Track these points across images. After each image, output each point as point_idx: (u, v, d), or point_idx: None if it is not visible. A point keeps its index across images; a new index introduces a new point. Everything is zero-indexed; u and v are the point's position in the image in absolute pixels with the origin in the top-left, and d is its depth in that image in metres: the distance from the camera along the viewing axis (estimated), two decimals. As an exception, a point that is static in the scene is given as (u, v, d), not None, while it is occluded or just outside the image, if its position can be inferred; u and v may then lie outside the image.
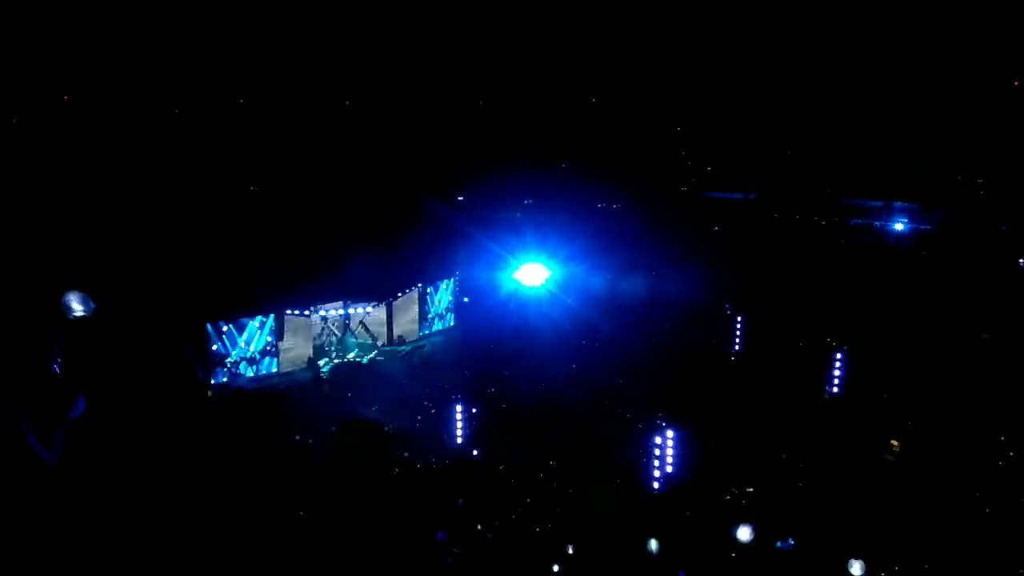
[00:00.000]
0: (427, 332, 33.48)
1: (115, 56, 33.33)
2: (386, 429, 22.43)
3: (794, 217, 36.11)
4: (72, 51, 32.61)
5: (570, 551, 16.31)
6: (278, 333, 28.39)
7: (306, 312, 29.37)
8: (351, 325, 31.23)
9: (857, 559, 15.52)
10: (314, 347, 29.79)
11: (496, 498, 18.75)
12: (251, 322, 27.59)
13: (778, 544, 17.27)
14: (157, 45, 33.61)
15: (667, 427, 20.54)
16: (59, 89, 34.27)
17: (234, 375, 27.16)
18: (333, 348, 30.47)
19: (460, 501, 18.53)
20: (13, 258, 23.59)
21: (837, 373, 25.82)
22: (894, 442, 22.40)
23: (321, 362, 29.39)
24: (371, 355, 30.61)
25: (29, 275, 22.19)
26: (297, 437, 22.21)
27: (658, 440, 20.55)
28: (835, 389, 25.73)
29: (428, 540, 16.28)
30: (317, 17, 36.31)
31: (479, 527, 17.35)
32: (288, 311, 28.64)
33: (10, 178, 28.55)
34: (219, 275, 28.17)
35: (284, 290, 28.77)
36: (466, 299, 34.90)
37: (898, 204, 34.47)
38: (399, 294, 32.28)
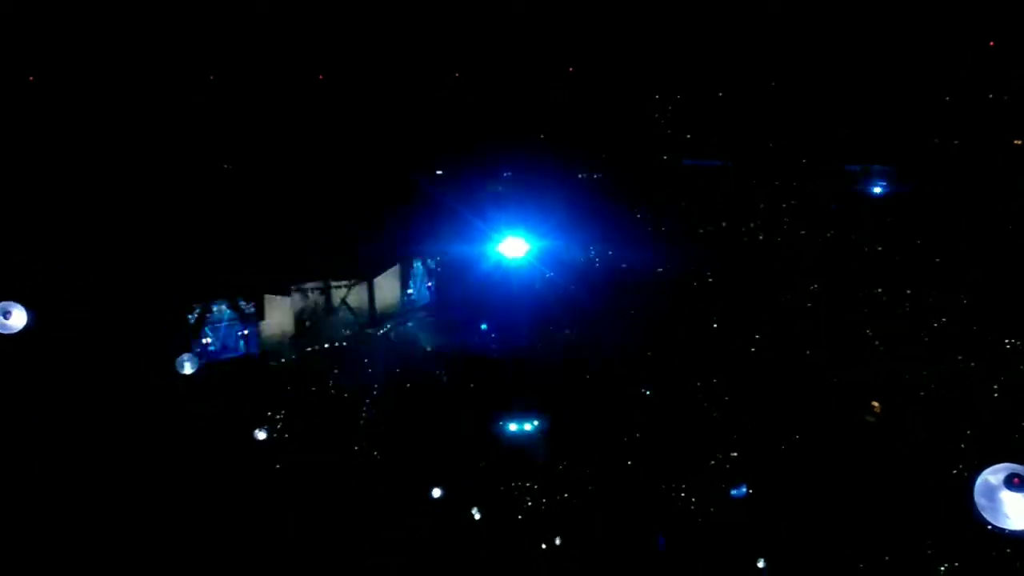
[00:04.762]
0: (409, 309, 33.31)
1: (79, 31, 32.35)
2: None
3: (773, 183, 36.04)
4: (35, 28, 31.62)
5: (557, 542, 16.28)
6: (258, 313, 28.14)
7: (286, 291, 29.11)
8: (332, 303, 30.99)
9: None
10: (295, 326, 29.57)
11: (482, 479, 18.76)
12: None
13: (732, 492, 17.58)
14: (117, 18, 32.63)
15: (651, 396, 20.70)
16: (23, 68, 33.29)
17: (213, 359, 26.86)
18: (315, 327, 30.24)
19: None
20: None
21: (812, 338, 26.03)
22: (875, 403, 22.62)
23: (303, 342, 29.20)
24: (353, 334, 30.43)
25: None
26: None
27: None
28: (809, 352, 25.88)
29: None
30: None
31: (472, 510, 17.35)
32: (267, 290, 28.36)
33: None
34: (193, 255, 27.68)
35: (262, 269, 28.45)
36: (446, 274, 34.69)
37: (876, 167, 34.51)
38: (380, 271, 32.02)
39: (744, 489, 17.77)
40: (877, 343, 25.71)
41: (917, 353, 24.72)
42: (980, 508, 9.90)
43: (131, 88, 34.09)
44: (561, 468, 19.85)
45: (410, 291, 33.59)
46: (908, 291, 27.54)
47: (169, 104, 34.73)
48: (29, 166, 29.40)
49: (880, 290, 28.05)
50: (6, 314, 8.30)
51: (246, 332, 27.84)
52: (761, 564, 15.77)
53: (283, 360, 27.99)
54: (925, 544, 16.14)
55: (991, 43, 31.00)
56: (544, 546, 15.88)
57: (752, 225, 34.21)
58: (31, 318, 8.74)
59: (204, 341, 26.86)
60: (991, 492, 9.53)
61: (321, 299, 30.59)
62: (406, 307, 33.22)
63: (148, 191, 30.79)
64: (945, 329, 25.72)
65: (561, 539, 16.13)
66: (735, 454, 20.26)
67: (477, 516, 16.64)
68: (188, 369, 13.47)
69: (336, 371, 26.24)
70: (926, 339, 25.55)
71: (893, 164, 34.56)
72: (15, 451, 17.33)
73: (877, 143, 34.41)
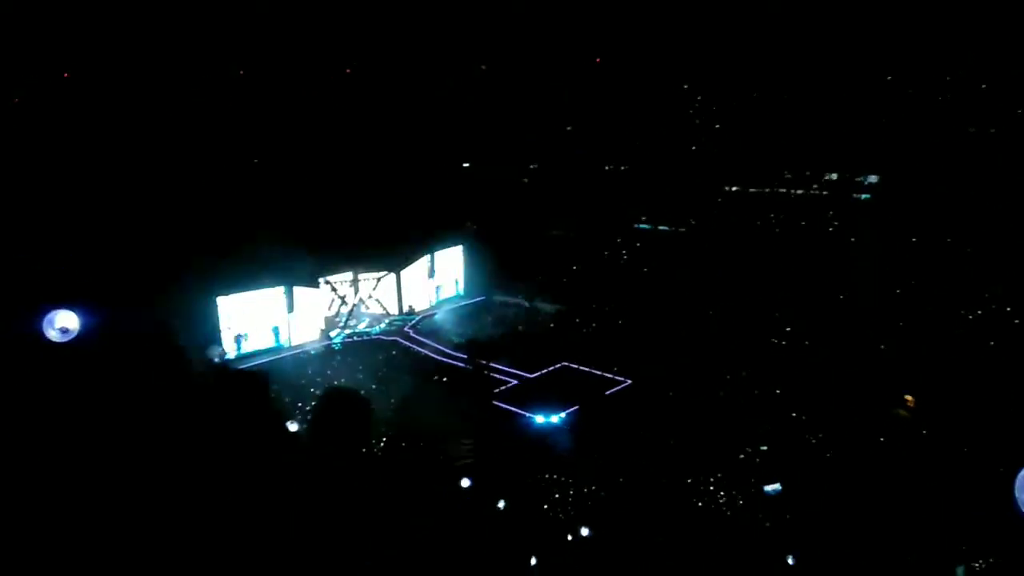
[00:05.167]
0: (437, 301, 33.51)
1: (98, 30, 32.76)
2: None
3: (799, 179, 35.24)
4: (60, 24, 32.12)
5: (584, 533, 16.15)
6: (288, 305, 28.45)
7: (316, 284, 29.42)
8: (361, 296, 31.26)
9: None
10: (325, 319, 29.88)
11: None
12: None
13: (766, 489, 17.37)
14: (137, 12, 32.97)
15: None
16: (54, 65, 33.88)
17: (239, 354, 27.12)
18: (343, 320, 30.52)
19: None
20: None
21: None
22: (908, 397, 22.18)
23: (332, 333, 29.47)
24: (382, 325, 30.68)
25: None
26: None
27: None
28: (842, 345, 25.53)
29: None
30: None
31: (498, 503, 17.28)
32: (297, 283, 28.67)
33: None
34: (225, 247, 27.94)
35: (292, 261, 28.70)
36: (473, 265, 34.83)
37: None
38: (408, 263, 32.24)
39: (779, 486, 17.53)
40: (913, 336, 25.26)
41: (953, 345, 24.23)
42: (1022, 504, 9.45)
43: (163, 85, 34.61)
44: (588, 460, 19.78)
45: (437, 283, 33.76)
46: (944, 283, 27.00)
47: (200, 99, 35.21)
48: (68, 162, 29.97)
49: (914, 282, 27.55)
50: (65, 331, 8.47)
51: (276, 324, 28.20)
52: (791, 560, 15.55)
53: (312, 352, 28.25)
54: (961, 540, 15.82)
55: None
56: (570, 537, 15.85)
57: (781, 217, 33.77)
58: (83, 323, 8.87)
59: (235, 334, 27.22)
60: (1035, 487, 9.13)
61: (350, 291, 30.87)
62: (433, 299, 33.43)
63: (179, 185, 31.22)
64: (982, 321, 25.20)
65: (588, 531, 16.09)
66: (764, 448, 20.02)
67: (502, 506, 16.65)
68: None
69: (363, 363, 26.45)
70: (963, 331, 25.04)
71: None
72: (49, 445, 17.52)
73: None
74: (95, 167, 30.42)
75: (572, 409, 22.58)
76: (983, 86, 29.93)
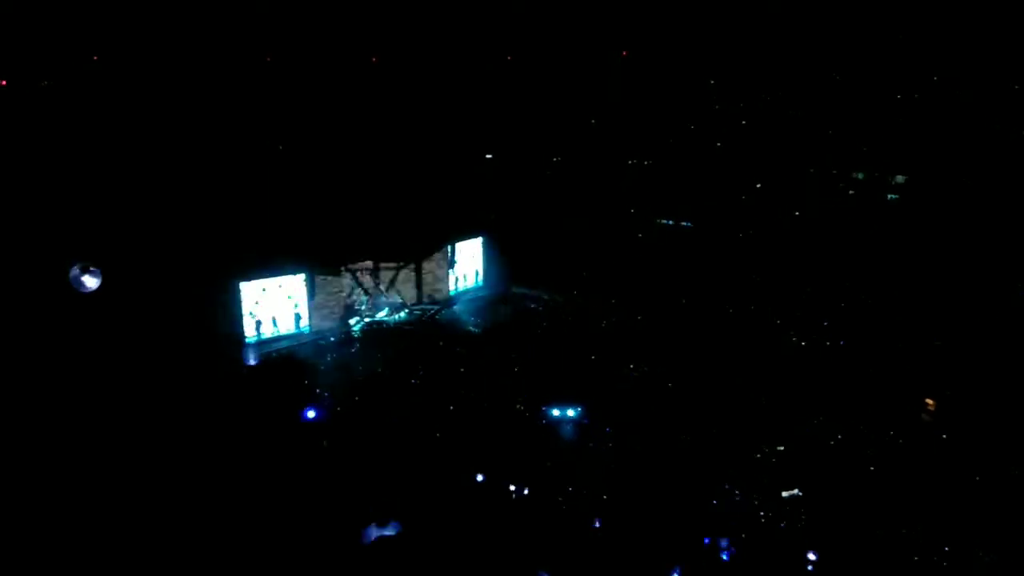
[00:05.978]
0: (456, 291, 33.54)
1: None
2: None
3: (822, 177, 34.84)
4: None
5: (596, 524, 16.16)
6: (309, 292, 28.68)
7: (337, 271, 29.61)
8: (381, 284, 31.38)
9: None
10: (344, 307, 30.05)
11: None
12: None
13: (784, 494, 17.30)
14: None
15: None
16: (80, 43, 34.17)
17: (258, 341, 27.30)
18: (363, 307, 30.67)
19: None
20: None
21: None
22: (929, 400, 21.94)
23: (352, 321, 29.65)
24: (401, 315, 30.80)
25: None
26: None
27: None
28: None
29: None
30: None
31: (511, 487, 17.38)
32: (318, 270, 28.87)
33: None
34: (244, 233, 28.11)
35: (313, 248, 28.88)
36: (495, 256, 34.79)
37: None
38: (429, 254, 32.30)
39: (797, 491, 17.45)
40: (936, 338, 24.93)
41: (977, 348, 23.89)
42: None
43: (188, 68, 34.82)
44: (603, 454, 19.78)
45: (457, 274, 33.79)
46: (970, 285, 26.60)
47: (225, 84, 35.38)
48: (93, 143, 30.27)
49: (936, 279, 27.17)
50: (89, 270, 8.72)
51: (297, 310, 28.47)
52: (812, 556, 15.42)
53: (332, 339, 28.45)
54: (981, 546, 15.63)
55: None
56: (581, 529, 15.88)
57: (798, 215, 33.40)
58: (101, 282, 9.08)
59: (257, 319, 27.50)
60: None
61: (370, 280, 31.01)
62: (454, 289, 33.48)
63: (200, 169, 31.43)
64: (1004, 321, 24.81)
65: (600, 523, 16.10)
66: (781, 448, 19.89)
67: (515, 497, 16.72)
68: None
69: (380, 354, 26.58)
70: (985, 332, 24.69)
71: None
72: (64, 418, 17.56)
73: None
74: (124, 153, 30.66)
75: (586, 403, 22.52)
76: (1016, 87, 29.35)
